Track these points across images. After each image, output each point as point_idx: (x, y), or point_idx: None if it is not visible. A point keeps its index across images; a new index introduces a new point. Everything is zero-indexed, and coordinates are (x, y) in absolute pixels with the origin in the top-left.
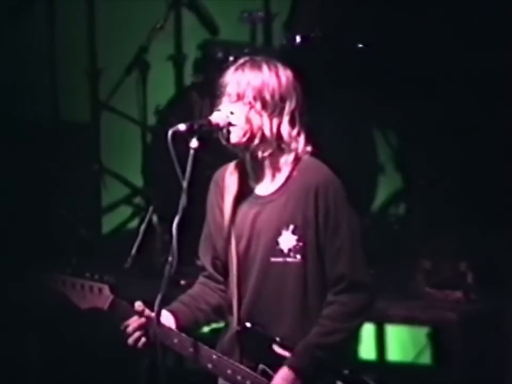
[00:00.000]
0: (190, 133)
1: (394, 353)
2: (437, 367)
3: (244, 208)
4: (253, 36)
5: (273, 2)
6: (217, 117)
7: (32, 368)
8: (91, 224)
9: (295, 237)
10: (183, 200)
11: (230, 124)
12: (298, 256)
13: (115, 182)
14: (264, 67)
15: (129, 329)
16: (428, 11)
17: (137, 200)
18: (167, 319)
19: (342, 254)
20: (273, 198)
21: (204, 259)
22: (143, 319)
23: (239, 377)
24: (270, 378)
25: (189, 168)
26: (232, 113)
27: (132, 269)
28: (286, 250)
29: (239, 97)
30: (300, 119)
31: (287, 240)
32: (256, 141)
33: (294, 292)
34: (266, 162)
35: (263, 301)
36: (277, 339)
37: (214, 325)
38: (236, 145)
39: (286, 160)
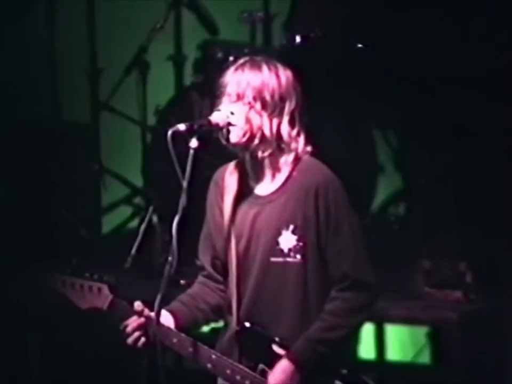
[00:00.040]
0: (189, 133)
1: (393, 353)
2: (436, 367)
3: (243, 208)
4: (252, 36)
5: (273, 3)
6: (217, 117)
7: (32, 368)
8: (91, 224)
9: (295, 237)
10: (183, 200)
11: (229, 124)
12: (299, 256)
13: (115, 182)
14: (264, 67)
15: (129, 329)
16: (428, 11)
17: (137, 200)
18: (166, 318)
19: (345, 253)
20: (273, 198)
21: (203, 259)
22: (142, 319)
23: (238, 377)
24: None
25: (188, 168)
26: (232, 113)
27: (131, 269)
28: (286, 250)
29: (239, 97)
30: (300, 119)
31: (287, 240)
32: (256, 141)
33: (294, 291)
34: (266, 162)
35: (263, 301)
36: (276, 339)
37: (214, 325)
38: (235, 145)
39: (285, 160)
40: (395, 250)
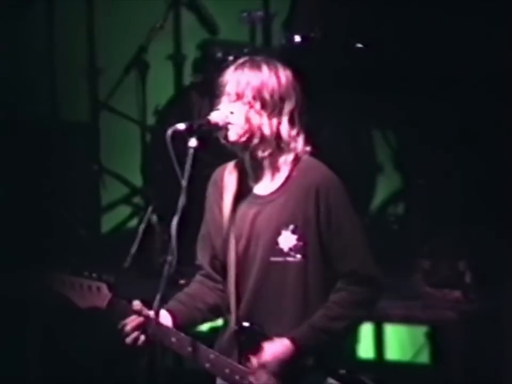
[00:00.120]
0: (189, 133)
1: (392, 353)
2: (435, 366)
3: (243, 207)
4: (252, 35)
5: (273, 2)
6: (216, 116)
7: (32, 367)
8: (90, 224)
9: (295, 236)
10: (182, 200)
11: (229, 123)
12: (299, 256)
13: (114, 181)
14: (264, 67)
15: (128, 328)
16: (428, 11)
17: (137, 199)
18: (164, 318)
19: (351, 250)
20: (273, 198)
21: (202, 258)
22: (141, 318)
23: (237, 377)
24: None
25: (188, 168)
26: (231, 112)
27: (131, 269)
28: (286, 250)
29: (239, 96)
30: (299, 119)
31: (287, 239)
32: (256, 141)
33: (294, 291)
34: (266, 162)
35: (262, 301)
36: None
37: (213, 324)
38: (234, 143)
39: (285, 160)
40: (394, 250)
